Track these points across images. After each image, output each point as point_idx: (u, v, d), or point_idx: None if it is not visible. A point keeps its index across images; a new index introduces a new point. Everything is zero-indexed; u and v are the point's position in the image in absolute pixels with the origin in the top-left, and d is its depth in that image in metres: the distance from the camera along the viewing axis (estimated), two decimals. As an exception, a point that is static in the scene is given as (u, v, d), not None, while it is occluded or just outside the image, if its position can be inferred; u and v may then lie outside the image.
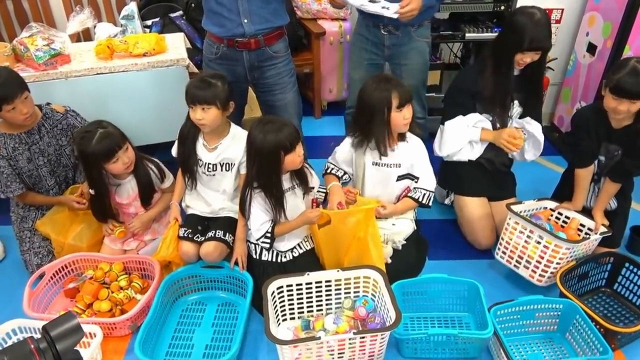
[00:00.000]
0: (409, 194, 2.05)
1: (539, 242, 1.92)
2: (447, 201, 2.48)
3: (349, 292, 1.91)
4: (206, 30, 2.16)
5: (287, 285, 1.84)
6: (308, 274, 1.83)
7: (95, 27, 2.78)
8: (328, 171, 2.11)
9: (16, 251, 2.22)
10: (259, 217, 1.88)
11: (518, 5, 2.71)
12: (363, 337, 1.65)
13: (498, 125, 2.16)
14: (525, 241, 1.96)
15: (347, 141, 2.06)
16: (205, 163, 2.01)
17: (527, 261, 1.98)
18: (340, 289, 1.89)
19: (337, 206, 1.94)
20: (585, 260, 1.94)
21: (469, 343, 1.74)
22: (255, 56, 2.12)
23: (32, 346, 0.91)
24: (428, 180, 2.04)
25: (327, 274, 1.86)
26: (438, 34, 2.82)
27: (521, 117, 2.21)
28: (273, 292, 1.81)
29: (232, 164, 2.02)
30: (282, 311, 1.89)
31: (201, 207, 2.11)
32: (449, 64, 3.27)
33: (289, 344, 1.61)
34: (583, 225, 2.09)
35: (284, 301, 1.86)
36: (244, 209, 1.90)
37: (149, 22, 3.02)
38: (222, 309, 2.01)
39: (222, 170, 2.03)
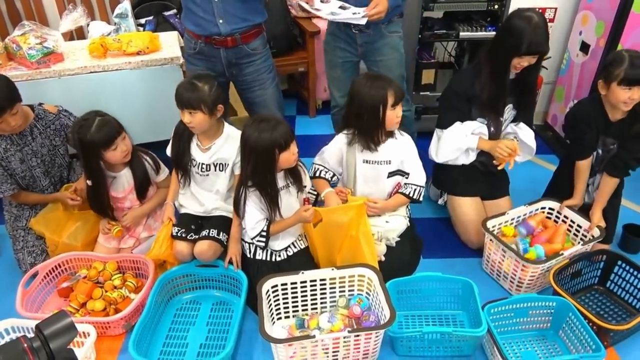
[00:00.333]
0: (399, 190, 2.06)
1: (511, 260, 1.99)
2: (440, 201, 2.49)
3: (344, 291, 1.91)
4: (184, 26, 2.16)
5: (282, 284, 1.84)
6: (303, 273, 1.83)
7: (88, 25, 2.77)
8: (317, 174, 2.09)
9: (9, 250, 2.21)
10: (254, 215, 1.88)
11: (512, 4, 2.72)
12: (357, 336, 1.65)
13: (492, 129, 2.16)
14: (501, 257, 2.02)
15: (337, 140, 2.06)
16: (199, 163, 2.01)
17: (505, 275, 2.04)
18: (334, 288, 1.90)
19: None
20: (578, 258, 1.96)
21: (463, 341, 1.75)
22: (233, 53, 2.12)
23: (25, 345, 0.91)
24: (418, 176, 2.05)
25: (321, 273, 1.86)
26: (432, 32, 2.83)
27: (515, 119, 2.22)
28: (267, 290, 1.81)
29: (225, 164, 2.02)
30: (276, 310, 1.89)
31: (194, 207, 2.10)
32: (444, 63, 3.27)
33: (283, 342, 1.61)
34: (580, 227, 2.11)
35: (278, 300, 1.86)
36: (238, 208, 1.90)
37: (142, 21, 3.01)
38: (216, 308, 2.01)
39: (215, 170, 2.03)
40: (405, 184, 2.05)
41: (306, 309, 1.92)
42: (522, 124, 2.22)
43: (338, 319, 1.83)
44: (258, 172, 1.82)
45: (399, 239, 2.03)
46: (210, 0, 2.00)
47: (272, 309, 1.86)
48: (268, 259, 1.97)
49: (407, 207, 2.16)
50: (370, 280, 1.86)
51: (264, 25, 2.20)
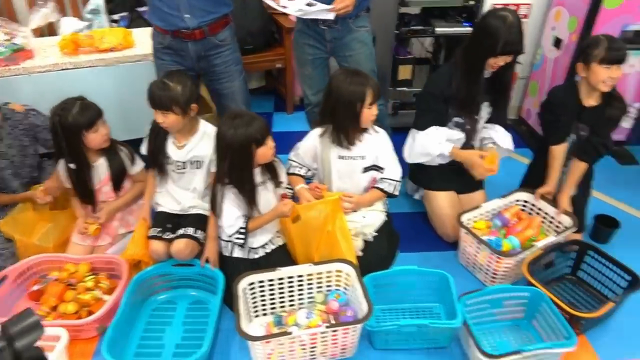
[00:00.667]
0: (375, 185, 2.06)
1: (485, 253, 2.01)
2: (417, 196, 2.51)
3: (321, 286, 1.91)
4: (151, 21, 2.14)
5: (259, 281, 1.83)
6: (280, 269, 1.83)
7: (59, 21, 2.71)
8: (291, 171, 2.09)
9: (-22, 253, 2.15)
10: (232, 213, 1.86)
11: (488, 0, 2.75)
12: (335, 331, 1.66)
13: (468, 127, 2.18)
14: (476, 250, 2.05)
15: (312, 135, 2.05)
16: (175, 161, 1.99)
17: (480, 268, 2.07)
18: (312, 284, 1.90)
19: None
20: (551, 249, 1.99)
21: (440, 333, 1.76)
22: (202, 46, 2.10)
23: (-11, 345, 0.89)
24: (393, 170, 2.05)
25: (298, 269, 1.86)
26: (409, 28, 2.84)
27: (490, 117, 2.24)
28: (244, 288, 1.80)
29: (201, 162, 2.00)
30: (254, 307, 1.88)
31: (171, 205, 2.08)
32: (420, 59, 3.29)
33: (260, 340, 1.60)
34: (554, 218, 2.15)
35: (255, 297, 1.86)
36: (215, 205, 1.88)
37: (116, 17, 2.96)
38: (193, 308, 1.99)
39: (191, 168, 2.01)
40: (381, 178, 2.06)
41: (284, 306, 1.92)
42: (498, 127, 2.24)
43: (316, 315, 1.83)
44: (235, 169, 1.81)
45: (376, 233, 2.03)
46: None
47: (249, 307, 1.85)
48: (245, 256, 1.96)
49: (384, 201, 2.17)
50: (348, 275, 1.87)
51: (231, 15, 2.17)
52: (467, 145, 2.23)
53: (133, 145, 2.17)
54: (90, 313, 1.86)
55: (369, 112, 1.90)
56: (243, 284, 1.79)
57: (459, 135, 2.17)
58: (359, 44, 2.28)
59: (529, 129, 3.18)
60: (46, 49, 2.43)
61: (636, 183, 2.73)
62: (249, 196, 1.85)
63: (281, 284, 1.86)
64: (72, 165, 2.00)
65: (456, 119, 2.17)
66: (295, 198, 2.07)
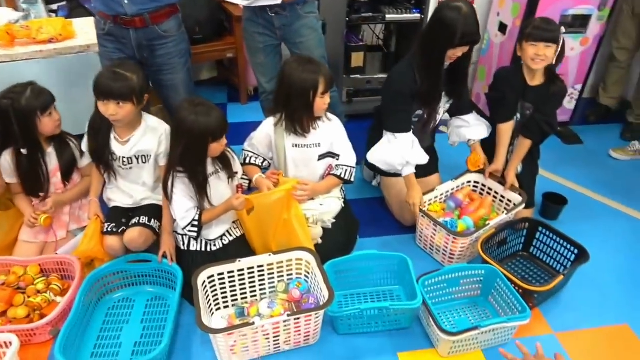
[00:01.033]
0: (331, 172, 2.06)
1: (442, 234, 2.06)
2: (374, 183, 2.54)
3: (282, 275, 1.91)
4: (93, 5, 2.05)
5: (218, 274, 1.80)
6: (239, 261, 1.81)
7: (-8, 12, 2.55)
8: (247, 161, 2.06)
9: None
10: (183, 204, 1.82)
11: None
12: (297, 319, 1.65)
13: (426, 117, 2.19)
14: (433, 232, 2.09)
15: (265, 125, 2.03)
16: (120, 157, 1.92)
17: (437, 249, 2.12)
18: (273, 273, 1.89)
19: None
20: (503, 227, 2.06)
21: (401, 314, 1.79)
22: (143, 35, 2.03)
23: None
24: (348, 157, 2.06)
25: (258, 259, 1.84)
26: (359, 15, 2.85)
27: (453, 110, 2.28)
28: (204, 281, 1.76)
29: (148, 156, 1.94)
30: (215, 300, 1.85)
31: (123, 200, 2.01)
32: (372, 46, 3.32)
33: (221, 332, 1.58)
34: (504, 197, 2.22)
35: (215, 290, 1.83)
36: (167, 192, 1.83)
37: (54, 7, 2.82)
38: (151, 304, 1.93)
39: (138, 163, 1.94)
40: (336, 165, 2.06)
41: (245, 297, 1.90)
42: (470, 119, 2.27)
43: (278, 304, 1.82)
44: (188, 157, 1.77)
45: (334, 220, 2.04)
46: None
47: (209, 300, 1.82)
48: (203, 249, 1.92)
49: (342, 188, 2.18)
50: (308, 262, 1.87)
51: (178, 6, 2.11)
52: (423, 133, 2.26)
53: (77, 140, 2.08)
54: (42, 316, 1.79)
55: (322, 101, 1.89)
56: (202, 278, 1.75)
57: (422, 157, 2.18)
58: (309, 30, 2.27)
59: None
60: (-21, 41, 2.28)
61: (581, 161, 2.86)
62: (199, 187, 1.82)
63: (241, 275, 1.84)
64: (24, 151, 1.91)
65: (418, 112, 2.18)
66: (252, 189, 2.04)
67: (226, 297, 1.87)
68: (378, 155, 2.17)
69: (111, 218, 1.96)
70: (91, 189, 2.03)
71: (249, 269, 1.83)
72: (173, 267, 1.89)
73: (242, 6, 2.27)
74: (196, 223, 1.83)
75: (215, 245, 1.93)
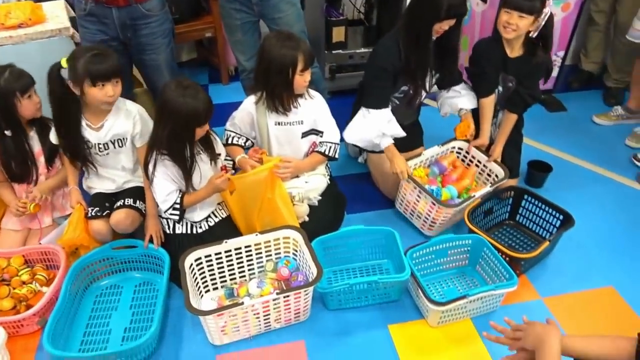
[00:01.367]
0: (315, 149, 2.04)
1: (426, 201, 2.03)
2: (360, 159, 2.52)
3: (270, 254, 1.90)
4: None
5: (206, 256, 1.79)
6: (226, 242, 1.79)
7: (-44, -2, 2.45)
8: (230, 141, 2.03)
9: None
10: (165, 187, 1.79)
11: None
12: (287, 296, 1.65)
13: (412, 93, 2.16)
14: (416, 198, 2.06)
15: (246, 103, 2.00)
16: (95, 144, 1.87)
17: (418, 215, 2.10)
18: (261, 253, 1.88)
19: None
20: (488, 197, 2.06)
21: (390, 287, 1.80)
22: (126, 14, 1.98)
23: None
24: (332, 133, 2.04)
25: (245, 240, 1.83)
26: (339, -12, 2.79)
27: (441, 83, 2.24)
28: (191, 264, 1.75)
29: (124, 139, 1.90)
30: (203, 283, 1.84)
31: (105, 186, 1.98)
32: (353, 20, 3.27)
33: (210, 314, 1.57)
34: (486, 167, 2.21)
35: (204, 272, 1.82)
36: (147, 173, 1.80)
37: (22, -10, 2.70)
38: (139, 290, 1.92)
39: (114, 147, 1.91)
40: (320, 142, 2.04)
41: (234, 278, 1.90)
42: (461, 89, 2.24)
43: (267, 283, 1.82)
44: (175, 139, 1.73)
45: (320, 197, 2.03)
46: None
47: (198, 283, 1.81)
48: (189, 231, 1.91)
49: (327, 165, 2.16)
50: (296, 240, 1.86)
51: None
52: (409, 109, 2.24)
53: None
54: (29, 307, 1.77)
55: (301, 79, 1.85)
56: (189, 260, 1.74)
57: (397, 130, 2.13)
58: (287, 4, 2.22)
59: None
60: (-56, 29, 2.19)
61: (565, 128, 2.87)
62: (185, 169, 1.79)
63: (229, 256, 1.83)
64: (8, 133, 1.88)
65: (403, 88, 2.15)
66: (237, 170, 2.02)
67: (215, 278, 1.86)
68: (354, 133, 2.14)
69: (94, 203, 1.93)
70: (68, 178, 1.98)
71: (236, 249, 1.82)
72: (159, 251, 1.88)
73: None
74: (177, 206, 1.81)
75: (201, 227, 1.92)
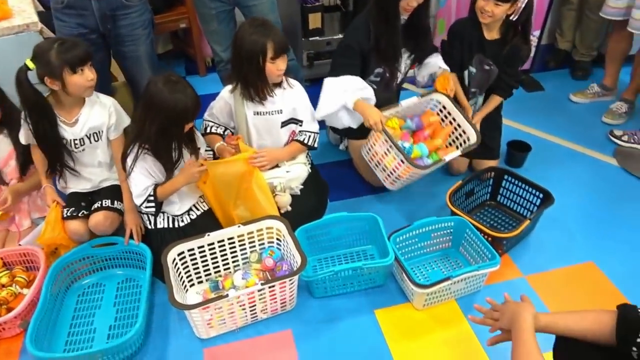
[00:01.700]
0: (294, 138, 2.03)
1: (395, 156, 1.95)
2: (341, 146, 2.51)
3: (254, 245, 1.89)
4: None
5: (189, 250, 1.77)
6: (208, 235, 1.78)
7: None
8: (207, 131, 2.01)
9: None
10: (141, 182, 1.77)
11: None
12: (272, 287, 1.65)
13: (388, 75, 2.14)
14: (386, 151, 1.98)
15: (224, 93, 1.97)
16: (70, 140, 1.83)
17: (384, 168, 2.03)
18: (244, 244, 1.87)
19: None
20: (469, 179, 2.08)
21: (375, 272, 1.81)
22: (106, 4, 1.94)
23: None
24: (312, 123, 2.02)
25: (227, 232, 1.81)
26: (313, -26, 2.76)
27: (419, 58, 2.23)
28: (174, 259, 1.73)
29: (99, 132, 1.87)
30: (188, 277, 1.83)
31: (81, 185, 1.94)
32: (329, 6, 3.23)
33: (195, 307, 1.56)
34: (459, 126, 2.11)
35: (187, 266, 1.80)
36: (125, 166, 1.77)
37: (-14, -15, 2.62)
38: (123, 287, 1.90)
39: (90, 142, 1.87)
40: (300, 131, 2.02)
41: (219, 271, 1.88)
42: (434, 55, 2.22)
43: (252, 274, 1.81)
44: (163, 135, 1.71)
45: (302, 186, 2.02)
46: None
47: (182, 277, 1.79)
48: (170, 225, 1.88)
49: (308, 154, 2.15)
50: (279, 230, 1.85)
51: None
52: (387, 92, 2.23)
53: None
54: (10, 310, 1.73)
55: (273, 67, 1.82)
56: (172, 255, 1.72)
57: (368, 91, 2.06)
58: None
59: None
60: None
61: (543, 108, 2.90)
62: (169, 163, 1.77)
63: (212, 249, 1.81)
64: None
65: (377, 70, 2.14)
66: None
67: (199, 272, 1.84)
68: (322, 108, 2.05)
69: (70, 203, 1.89)
70: (40, 175, 1.92)
71: (219, 242, 1.81)
72: (141, 247, 1.85)
73: None
74: (152, 199, 1.78)
75: (182, 220, 1.90)
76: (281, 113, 1.96)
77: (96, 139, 1.87)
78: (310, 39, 2.95)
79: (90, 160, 1.91)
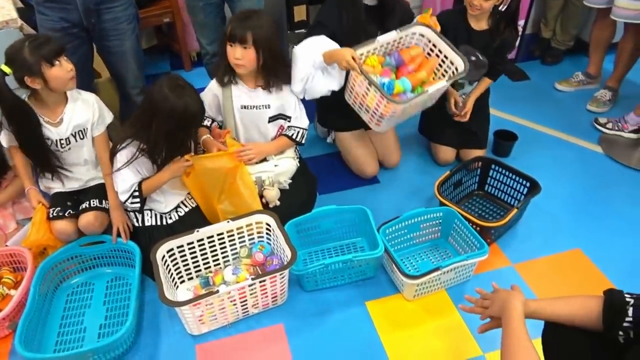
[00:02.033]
0: (282, 132, 2.02)
1: (375, 94, 1.85)
2: (329, 139, 2.50)
3: (244, 240, 1.88)
4: None
5: (178, 247, 1.76)
6: (197, 231, 1.77)
7: None
8: None
9: None
10: (129, 179, 1.75)
11: None
12: (262, 281, 1.65)
13: None
14: (365, 91, 1.89)
15: (211, 85, 1.96)
16: (56, 140, 1.80)
17: (366, 109, 1.95)
18: (234, 239, 1.86)
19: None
20: (457, 169, 2.09)
21: (365, 264, 1.81)
22: None
23: None
24: (301, 119, 2.01)
25: (217, 227, 1.80)
26: (297, -34, 2.74)
27: None
28: (163, 256, 1.72)
29: (84, 130, 1.84)
30: (178, 273, 1.82)
31: (68, 185, 1.91)
32: (314, -1, 3.21)
33: (185, 304, 1.56)
34: (451, 63, 1.97)
35: (177, 263, 1.79)
36: (115, 161, 1.76)
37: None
38: (112, 285, 1.89)
39: (76, 140, 1.84)
40: (288, 126, 2.01)
41: (209, 267, 1.88)
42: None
43: (242, 270, 1.81)
44: (171, 139, 1.71)
45: (290, 181, 2.01)
46: None
47: (172, 274, 1.79)
48: (159, 222, 1.87)
49: (296, 148, 2.14)
50: (269, 224, 1.85)
51: None
52: None
53: None
54: (-3, 312, 1.71)
55: (230, 50, 1.80)
56: (161, 252, 1.71)
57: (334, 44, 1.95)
58: None
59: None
60: None
61: (529, 96, 2.92)
62: (163, 165, 1.77)
63: (202, 245, 1.81)
64: None
65: None
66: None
67: (189, 268, 1.84)
68: (297, 76, 1.93)
69: (55, 203, 1.86)
70: (22, 178, 1.88)
71: (208, 238, 1.80)
72: (129, 245, 1.84)
73: None
74: (137, 194, 1.77)
75: (171, 217, 1.88)
76: (269, 108, 1.95)
77: (81, 136, 1.84)
78: (296, 31, 2.94)
79: (76, 159, 1.89)
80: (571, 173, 2.37)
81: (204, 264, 1.86)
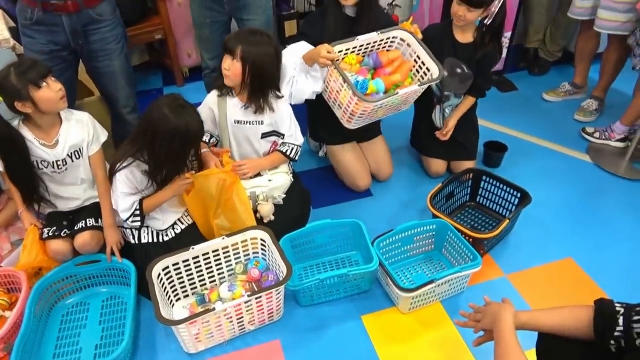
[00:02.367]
0: (277, 148, 2.04)
1: (347, 91, 1.89)
2: (321, 153, 2.52)
3: (239, 257, 1.89)
4: None
5: (174, 264, 1.76)
6: (193, 249, 1.77)
7: None
8: None
9: None
10: (130, 198, 1.76)
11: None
12: (258, 298, 1.65)
13: None
14: (339, 88, 1.93)
15: (208, 99, 1.98)
16: (53, 162, 1.80)
17: (339, 105, 1.99)
18: (229, 256, 1.87)
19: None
20: (449, 181, 2.11)
21: (360, 278, 1.83)
22: (78, 20, 1.92)
23: None
24: (295, 136, 2.03)
25: (212, 244, 1.81)
26: (287, -18, 2.78)
27: None
28: (159, 274, 1.73)
29: (80, 149, 1.84)
30: (174, 291, 1.82)
31: (63, 205, 1.91)
32: (304, 13, 3.26)
33: (182, 323, 1.56)
34: (423, 65, 2.00)
35: (173, 281, 1.79)
36: (115, 180, 1.76)
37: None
38: (108, 305, 1.88)
39: (72, 161, 1.84)
40: (283, 142, 2.03)
41: (205, 284, 1.88)
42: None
43: (238, 286, 1.81)
44: (173, 159, 1.73)
45: (285, 196, 2.03)
46: None
47: (168, 292, 1.79)
48: (155, 240, 1.87)
49: (289, 163, 2.15)
50: (264, 240, 1.86)
51: None
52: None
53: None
54: (-8, 334, 1.70)
55: (224, 60, 1.85)
56: (157, 270, 1.71)
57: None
58: (259, 9, 2.24)
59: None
60: None
61: (517, 107, 2.96)
62: (163, 183, 1.78)
63: (197, 262, 1.81)
64: None
65: None
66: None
67: (185, 286, 1.84)
68: (283, 81, 1.98)
69: (50, 223, 1.86)
70: (16, 201, 1.88)
71: (204, 255, 1.81)
72: (125, 263, 1.84)
73: None
74: (138, 212, 1.78)
75: (167, 235, 1.89)
76: (262, 124, 1.97)
77: (77, 156, 1.85)
78: (287, 46, 2.96)
79: (73, 180, 1.88)
80: (561, 183, 2.40)
81: (200, 281, 1.86)
